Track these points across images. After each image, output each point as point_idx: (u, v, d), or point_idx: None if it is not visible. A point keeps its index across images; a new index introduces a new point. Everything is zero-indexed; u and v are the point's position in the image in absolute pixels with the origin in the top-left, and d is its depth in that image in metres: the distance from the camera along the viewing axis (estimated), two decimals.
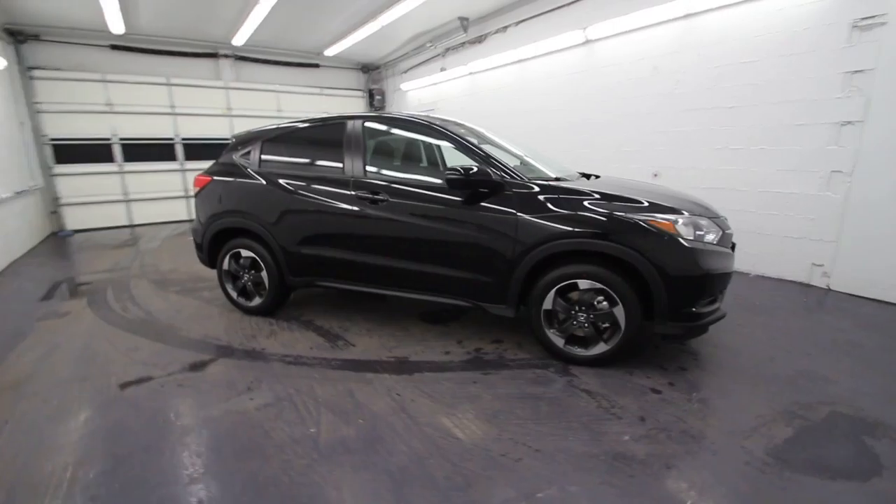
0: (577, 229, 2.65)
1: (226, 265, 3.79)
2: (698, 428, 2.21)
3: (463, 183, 2.83)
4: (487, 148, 3.12)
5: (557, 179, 3.06)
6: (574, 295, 2.74)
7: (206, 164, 9.23)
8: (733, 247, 2.93)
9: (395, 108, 10.84)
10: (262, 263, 3.62)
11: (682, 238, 2.56)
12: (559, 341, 2.83)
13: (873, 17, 3.72)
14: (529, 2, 6.65)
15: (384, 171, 3.36)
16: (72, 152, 8.08)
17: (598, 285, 2.65)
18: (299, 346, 3.24)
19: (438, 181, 3.07)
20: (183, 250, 6.56)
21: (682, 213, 2.64)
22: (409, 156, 3.83)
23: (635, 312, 2.61)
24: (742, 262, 4.04)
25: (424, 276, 3.10)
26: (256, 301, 3.76)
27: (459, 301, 3.07)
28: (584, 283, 2.68)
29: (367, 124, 3.38)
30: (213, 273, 4.12)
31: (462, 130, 3.31)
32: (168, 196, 9.22)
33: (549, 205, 2.74)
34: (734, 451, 2.04)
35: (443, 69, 8.76)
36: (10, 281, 5.20)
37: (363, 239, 3.23)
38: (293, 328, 3.55)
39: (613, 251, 2.59)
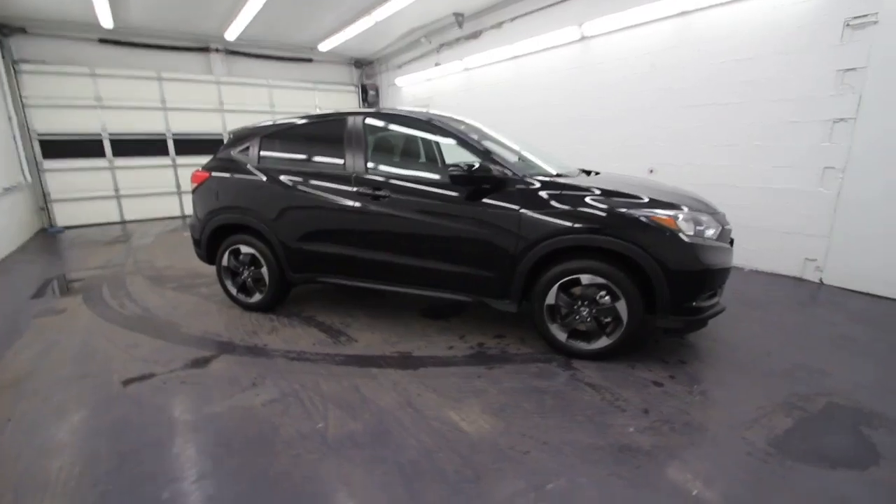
0: (579, 225, 2.68)
1: (225, 261, 3.76)
2: (701, 420, 2.26)
3: (466, 179, 2.84)
4: (489, 144, 3.13)
5: (559, 175, 3.08)
6: (576, 290, 2.77)
7: (198, 160, 9.21)
8: (731, 242, 2.98)
9: (388, 104, 10.79)
10: (262, 260, 3.60)
11: (683, 233, 2.59)
12: (562, 336, 2.86)
13: (865, 16, 3.78)
14: None
15: (386, 168, 3.36)
16: (61, 148, 7.95)
17: (601, 280, 2.68)
18: (302, 341, 3.23)
19: (441, 177, 3.07)
20: (177, 246, 6.50)
21: (683, 209, 2.68)
22: (410, 152, 3.82)
23: (637, 307, 2.65)
24: (737, 256, 4.09)
25: (427, 271, 3.11)
26: (256, 297, 3.74)
27: (462, 296, 3.09)
28: (586, 279, 2.71)
29: (368, 121, 3.37)
30: (210, 269, 4.09)
31: (462, 127, 3.32)
32: (159, 192, 9.11)
33: (552, 201, 2.76)
34: (736, 441, 2.09)
35: (437, 64, 8.73)
36: (1, 278, 5.11)
37: (365, 235, 3.23)
38: (294, 324, 3.54)
39: (616, 247, 2.62)
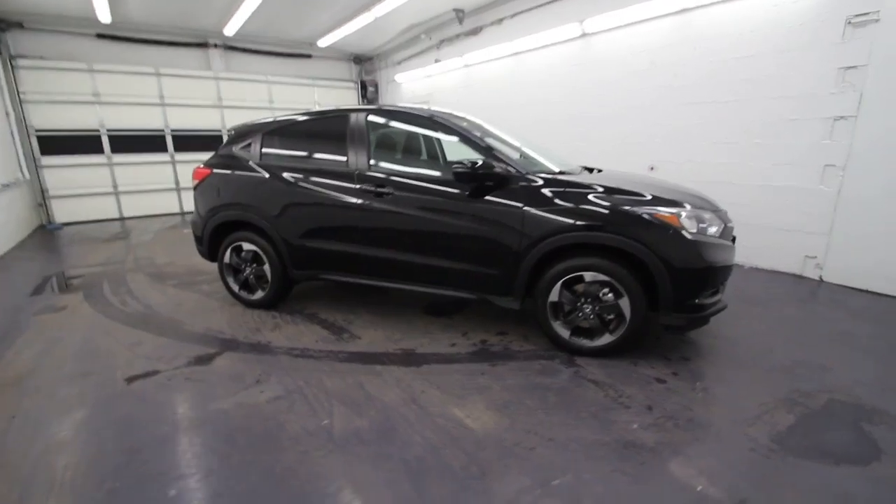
0: (583, 222, 2.69)
1: (227, 258, 3.76)
2: (704, 416, 2.28)
3: (469, 176, 2.84)
4: (492, 141, 3.12)
5: (561, 173, 3.09)
6: (580, 287, 2.78)
7: (197, 156, 9.19)
8: (734, 240, 3.00)
9: (388, 101, 10.77)
10: (264, 257, 3.59)
11: (686, 231, 2.60)
12: (565, 333, 2.88)
13: (867, 13, 3.79)
14: None
15: (389, 165, 3.35)
16: (59, 144, 7.90)
17: (604, 277, 2.69)
18: (305, 338, 3.24)
19: (444, 174, 3.07)
20: (177, 243, 6.49)
21: (686, 207, 2.68)
22: (413, 149, 3.82)
23: (640, 304, 2.66)
24: (737, 254, 4.12)
25: (430, 268, 3.11)
26: (259, 294, 3.74)
27: (465, 294, 3.09)
28: (589, 276, 2.72)
29: (371, 117, 3.36)
30: (211, 266, 4.09)
31: (464, 124, 3.31)
32: (158, 188, 9.08)
33: (555, 198, 2.77)
34: (739, 438, 2.10)
35: (437, 61, 8.70)
36: (1, 275, 5.09)
37: (368, 232, 3.23)
38: (297, 321, 3.55)
39: (619, 244, 2.63)
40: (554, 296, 2.82)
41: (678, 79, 5.10)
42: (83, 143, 8.13)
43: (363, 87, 11.07)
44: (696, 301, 2.66)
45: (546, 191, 2.79)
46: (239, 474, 1.91)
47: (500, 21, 7.21)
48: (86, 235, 7.31)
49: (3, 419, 2.34)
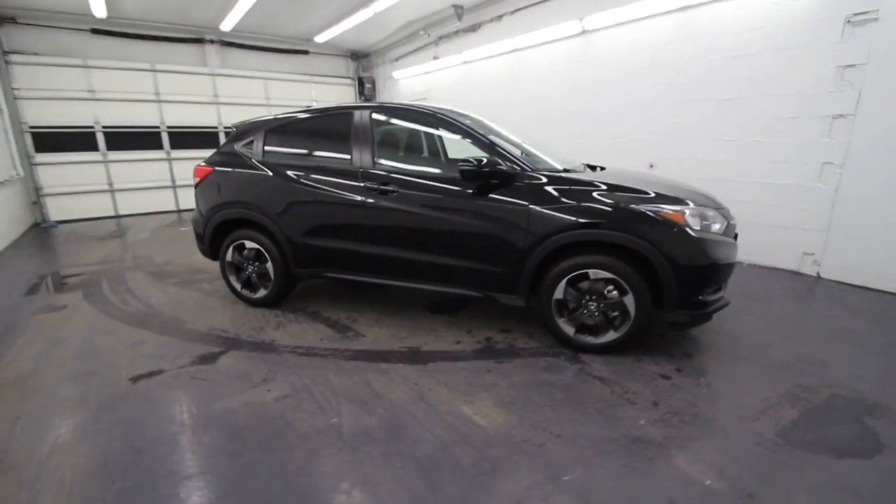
0: (588, 220, 2.70)
1: (229, 257, 3.74)
2: (709, 411, 2.30)
3: (475, 174, 2.84)
4: (496, 139, 3.12)
5: (565, 170, 3.10)
6: (584, 284, 2.79)
7: (193, 153, 9.14)
8: (735, 237, 3.02)
9: (385, 97, 10.73)
10: (266, 255, 3.58)
11: (690, 228, 2.63)
12: (569, 330, 2.89)
13: (866, 12, 3.82)
14: None
15: (393, 162, 3.34)
16: (53, 140, 7.80)
17: (609, 275, 2.71)
18: (309, 337, 3.23)
19: (449, 172, 3.07)
20: (175, 241, 6.44)
21: (689, 204, 2.70)
22: (417, 146, 3.82)
23: (645, 301, 2.68)
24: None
25: (435, 266, 3.12)
26: (261, 293, 3.73)
27: (470, 291, 3.10)
28: (594, 273, 2.74)
29: (375, 115, 3.35)
30: (211, 264, 4.07)
31: (468, 121, 3.31)
32: (155, 186, 9.00)
33: (560, 196, 2.78)
34: (745, 432, 2.13)
35: (436, 57, 8.68)
36: None
37: (373, 230, 3.23)
38: (300, 319, 3.54)
39: (625, 241, 2.65)
40: (559, 293, 2.84)
41: (679, 76, 5.12)
42: (78, 140, 8.03)
43: (360, 83, 11.01)
44: (700, 298, 2.69)
45: (551, 188, 2.80)
46: (250, 473, 1.91)
47: (499, 18, 7.20)
48: (81, 233, 7.24)
49: (7, 420, 2.32)
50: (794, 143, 4.36)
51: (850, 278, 4.18)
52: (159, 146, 8.90)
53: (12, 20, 7.21)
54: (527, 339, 3.14)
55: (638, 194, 2.72)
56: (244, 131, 3.75)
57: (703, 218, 2.70)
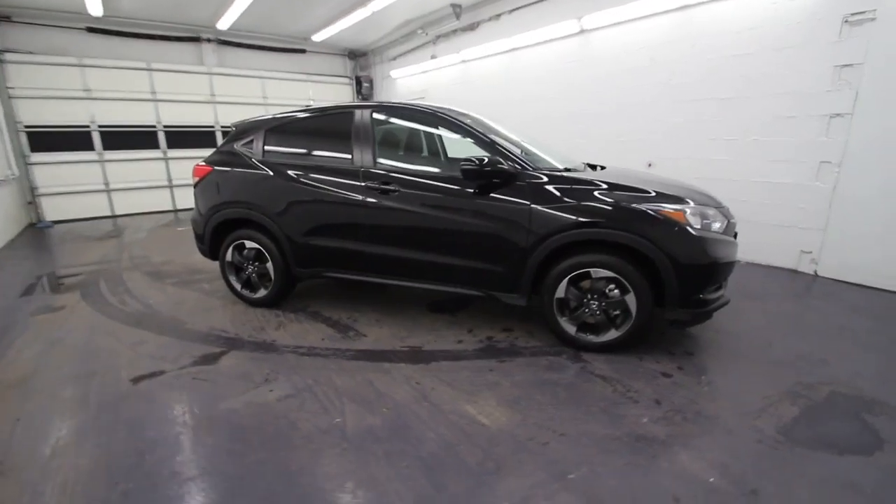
0: (590, 219, 2.71)
1: (229, 256, 3.73)
2: (711, 409, 2.31)
3: (477, 174, 2.84)
4: (498, 138, 3.12)
5: (566, 170, 3.11)
6: (586, 283, 2.80)
7: (190, 153, 9.10)
8: (735, 235, 3.04)
9: (383, 96, 10.71)
10: (267, 254, 3.57)
11: (691, 227, 2.64)
12: (571, 329, 2.90)
13: (863, 12, 3.85)
14: None
15: (394, 162, 3.34)
16: (48, 140, 7.74)
17: (610, 274, 2.72)
18: (310, 337, 3.23)
19: (451, 171, 3.07)
20: (173, 241, 6.41)
21: (690, 203, 2.72)
22: (419, 146, 3.82)
23: (646, 300, 2.69)
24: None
25: (437, 266, 3.12)
26: (261, 293, 3.72)
27: (472, 290, 3.10)
28: (596, 272, 2.75)
29: (376, 114, 3.34)
30: (210, 264, 4.05)
31: (468, 121, 3.31)
32: (151, 185, 8.95)
33: (562, 195, 2.78)
34: (746, 430, 2.15)
35: (433, 57, 8.67)
36: None
37: (374, 229, 3.22)
38: (301, 319, 3.53)
39: (626, 240, 2.66)
40: (560, 292, 2.84)
41: (677, 76, 5.14)
42: (73, 140, 7.97)
43: (358, 82, 10.99)
44: (701, 296, 2.70)
45: (553, 188, 2.81)
46: (254, 474, 1.91)
47: (497, 17, 7.20)
48: (78, 233, 7.20)
49: (8, 422, 2.31)
50: (792, 143, 4.39)
51: (848, 276, 4.22)
52: (156, 146, 8.86)
53: (7, 19, 7.15)
54: (528, 337, 3.15)
55: (639, 193, 2.73)
56: (244, 130, 3.73)
57: (703, 217, 2.71)
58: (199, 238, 3.88)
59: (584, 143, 6.12)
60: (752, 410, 2.29)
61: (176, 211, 9.20)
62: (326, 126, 3.58)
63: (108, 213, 8.61)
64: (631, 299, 2.72)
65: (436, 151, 3.95)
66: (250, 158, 3.58)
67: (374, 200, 3.16)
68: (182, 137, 9.04)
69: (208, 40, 9.04)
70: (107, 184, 8.49)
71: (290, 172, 3.41)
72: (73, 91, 7.80)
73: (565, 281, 2.81)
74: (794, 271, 4.57)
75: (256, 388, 2.56)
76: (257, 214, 3.51)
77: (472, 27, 7.73)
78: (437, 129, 3.62)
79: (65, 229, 7.56)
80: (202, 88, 9.16)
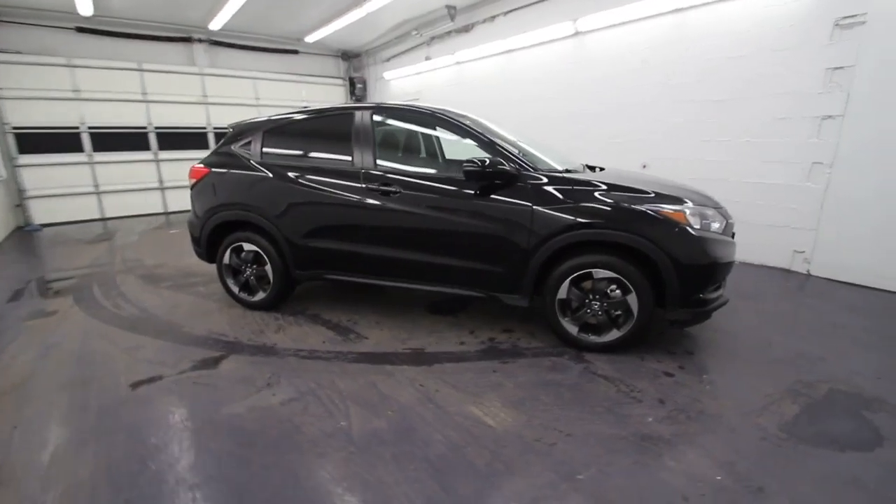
0: (592, 220, 2.72)
1: (226, 259, 3.69)
2: (714, 408, 2.34)
3: (479, 175, 2.85)
4: (498, 140, 3.13)
5: (567, 171, 3.12)
6: (587, 284, 2.82)
7: (182, 154, 8.98)
8: (733, 235, 3.08)
9: (377, 98, 10.69)
10: (265, 257, 3.54)
11: (691, 227, 2.66)
12: (573, 329, 2.91)
13: (854, 16, 3.92)
14: None
15: (395, 163, 3.33)
16: (37, 141, 7.60)
17: (612, 274, 2.73)
18: (311, 340, 3.20)
19: (452, 172, 3.07)
20: (165, 244, 6.32)
21: (690, 204, 2.75)
22: (419, 147, 3.81)
23: (648, 300, 2.71)
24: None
25: (438, 267, 3.11)
26: (260, 296, 3.68)
27: (474, 292, 3.10)
28: (598, 273, 2.76)
29: (376, 115, 3.33)
30: (205, 267, 4.00)
31: (468, 122, 3.31)
32: (142, 188, 8.81)
33: (564, 196, 2.80)
34: (750, 428, 2.17)
35: (428, 58, 8.67)
36: None
37: (375, 231, 3.21)
38: (301, 322, 3.51)
39: (628, 241, 2.68)
40: (562, 293, 2.85)
41: (672, 77, 5.19)
42: (62, 141, 7.82)
43: (352, 83, 10.95)
44: (701, 296, 2.73)
45: (554, 189, 2.82)
46: (261, 479, 1.88)
47: (492, 18, 7.22)
48: (67, 237, 7.08)
49: (4, 430, 2.26)
50: (785, 144, 4.45)
51: (840, 275, 4.29)
52: (146, 147, 8.73)
53: None
54: (529, 338, 3.16)
55: (639, 194, 2.75)
56: (241, 132, 3.70)
57: (703, 217, 2.75)
58: (196, 241, 3.83)
59: (583, 144, 6.13)
60: (755, 408, 2.32)
61: (167, 213, 9.07)
62: (326, 127, 3.56)
63: (98, 216, 8.47)
64: (632, 299, 2.73)
65: (434, 153, 3.95)
66: (248, 160, 3.55)
67: (375, 202, 3.15)
68: (173, 139, 8.93)
69: (200, 40, 8.96)
70: (97, 186, 8.36)
71: (289, 174, 3.38)
72: (62, 92, 7.67)
73: (567, 282, 2.83)
74: (788, 271, 4.63)
75: (259, 392, 2.54)
76: (256, 216, 3.48)
77: (466, 29, 7.74)
78: (437, 130, 3.61)
79: (54, 232, 7.43)
80: (194, 89, 9.06)
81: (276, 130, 3.58)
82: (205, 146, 9.19)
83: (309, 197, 3.33)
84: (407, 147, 3.71)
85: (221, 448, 2.08)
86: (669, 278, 2.65)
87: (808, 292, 4.12)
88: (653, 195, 2.75)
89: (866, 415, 2.27)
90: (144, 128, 8.64)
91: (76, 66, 7.72)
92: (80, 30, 7.73)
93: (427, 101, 7.75)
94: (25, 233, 7.42)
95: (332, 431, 2.18)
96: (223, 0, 7.03)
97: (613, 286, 2.77)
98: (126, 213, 8.68)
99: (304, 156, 3.53)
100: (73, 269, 5.16)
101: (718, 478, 1.85)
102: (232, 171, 3.59)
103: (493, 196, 2.90)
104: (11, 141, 7.39)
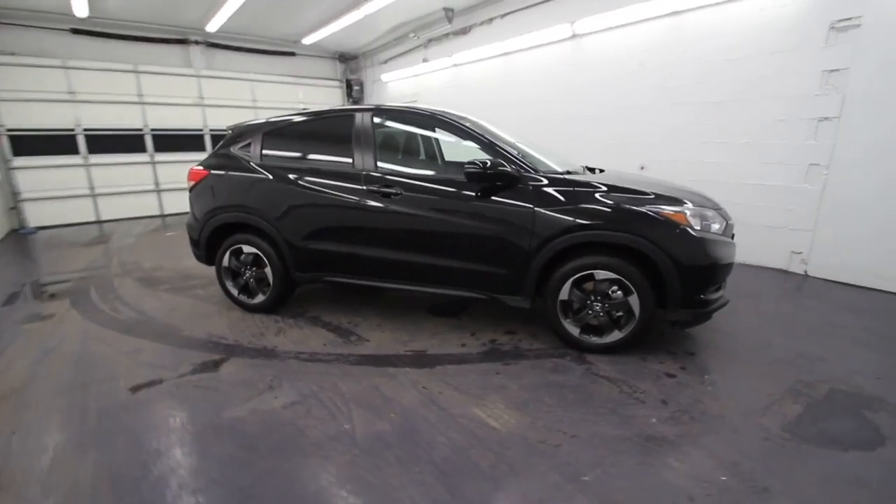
0: (593, 221, 2.73)
1: (226, 262, 3.67)
2: (716, 408, 2.34)
3: (481, 176, 2.85)
4: (499, 142, 3.13)
5: (568, 172, 3.13)
6: (589, 285, 2.82)
7: (178, 157, 8.95)
8: (732, 236, 3.09)
9: (374, 100, 10.68)
10: (265, 259, 3.52)
11: (692, 228, 2.68)
12: (574, 330, 2.92)
13: (849, 18, 3.96)
14: None
15: (396, 166, 3.33)
16: (32, 143, 7.54)
17: (613, 275, 2.74)
18: (312, 342, 3.19)
19: (454, 174, 3.06)
20: (162, 246, 6.28)
21: (690, 205, 2.76)
22: (420, 149, 3.81)
23: (649, 301, 2.72)
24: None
25: (440, 269, 3.11)
26: (259, 298, 3.66)
27: (475, 293, 3.10)
28: (599, 274, 2.77)
29: (377, 117, 3.33)
30: (203, 270, 3.97)
31: (468, 124, 3.31)
32: (138, 190, 8.77)
33: (565, 198, 2.80)
34: (753, 428, 2.18)
35: (425, 60, 8.69)
36: None
37: (376, 233, 3.20)
38: (301, 325, 3.49)
39: (629, 242, 2.68)
40: (564, 294, 2.86)
41: (670, 80, 5.23)
42: (58, 143, 7.77)
43: (349, 85, 10.95)
44: (702, 297, 2.74)
45: (556, 191, 2.83)
46: (264, 483, 1.87)
47: (490, 21, 7.24)
48: (63, 240, 7.02)
49: (3, 435, 2.23)
50: (782, 146, 4.49)
51: (837, 276, 4.32)
52: (142, 149, 8.69)
53: None
54: (531, 340, 3.16)
55: (640, 195, 2.76)
56: (240, 134, 3.69)
57: (703, 218, 2.76)
58: (195, 243, 3.81)
59: (581, 146, 6.13)
60: (757, 409, 2.33)
61: (163, 216, 9.03)
62: (326, 129, 3.55)
63: (94, 219, 8.42)
64: (634, 300, 2.74)
65: (434, 155, 3.95)
66: (248, 162, 3.54)
67: (376, 204, 3.14)
68: (170, 141, 8.89)
69: (196, 42, 8.92)
70: (92, 188, 8.31)
71: (289, 176, 3.37)
72: (57, 93, 7.62)
73: (569, 283, 2.83)
74: (785, 272, 4.66)
75: (260, 395, 2.52)
76: (255, 218, 3.47)
77: (464, 31, 7.76)
78: (437, 132, 3.61)
79: (49, 235, 7.38)
80: (190, 91, 9.03)
81: (276, 132, 3.57)
82: (201, 148, 9.16)
83: (309, 199, 3.32)
84: (407, 149, 3.71)
85: (224, 452, 2.07)
86: (670, 279, 2.66)
87: (806, 293, 4.15)
88: (653, 196, 2.76)
89: (867, 414, 2.28)
90: (140, 130, 8.60)
91: (71, 67, 7.68)
92: (76, 31, 7.69)
93: (425, 103, 7.76)
94: (20, 236, 7.35)
95: (335, 434, 2.17)
96: (220, 2, 7.01)
97: (615, 287, 2.77)
98: (122, 216, 8.63)
99: (304, 158, 3.52)
100: (70, 272, 5.12)
101: (723, 478, 1.85)
102: (231, 173, 3.57)
103: (494, 198, 2.90)
104: (6, 143, 7.33)
